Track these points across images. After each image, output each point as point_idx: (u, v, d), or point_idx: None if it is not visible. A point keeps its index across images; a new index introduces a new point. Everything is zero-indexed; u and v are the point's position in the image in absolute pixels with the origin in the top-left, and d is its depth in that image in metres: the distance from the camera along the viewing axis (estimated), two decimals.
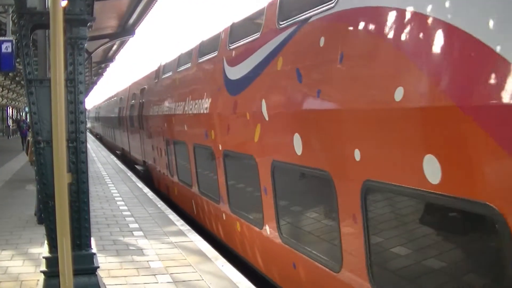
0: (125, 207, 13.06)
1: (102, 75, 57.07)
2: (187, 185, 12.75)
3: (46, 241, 6.11)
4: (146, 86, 19.10)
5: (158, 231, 10.44)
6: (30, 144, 12.29)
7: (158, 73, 16.67)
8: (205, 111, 10.13)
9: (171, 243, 9.42)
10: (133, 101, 22.84)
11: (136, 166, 21.90)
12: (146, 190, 16.12)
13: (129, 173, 20.92)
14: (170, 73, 14.49)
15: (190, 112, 11.43)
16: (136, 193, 15.45)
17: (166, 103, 14.37)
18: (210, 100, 9.89)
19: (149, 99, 17.96)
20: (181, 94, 12.69)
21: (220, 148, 9.44)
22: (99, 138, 52.91)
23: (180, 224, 11.09)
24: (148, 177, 19.32)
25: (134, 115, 21.53)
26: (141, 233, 10.26)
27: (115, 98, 34.39)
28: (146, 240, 9.69)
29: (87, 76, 35.75)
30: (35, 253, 8.57)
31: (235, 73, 8.52)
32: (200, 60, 11.08)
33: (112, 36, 27.17)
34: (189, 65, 12.18)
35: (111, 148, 36.72)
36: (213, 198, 10.41)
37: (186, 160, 12.41)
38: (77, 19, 5.92)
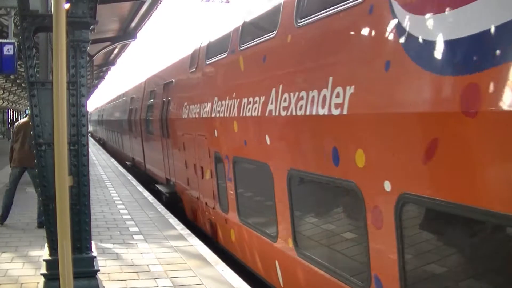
0: (125, 211, 13.04)
1: (104, 78, 57.17)
2: (263, 235, 7.85)
3: (46, 244, 6.11)
4: (174, 79, 14.23)
5: (158, 235, 10.43)
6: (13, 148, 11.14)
7: (196, 58, 11.74)
8: (334, 112, 5.43)
9: (171, 247, 9.40)
10: (151, 100, 17.92)
11: (158, 187, 16.01)
12: (147, 194, 16.09)
13: (130, 177, 20.90)
14: (223, 55, 9.66)
15: (281, 113, 6.72)
16: (136, 197, 15.43)
17: (217, 101, 9.54)
18: (351, 91, 5.21)
19: (181, 96, 13.10)
20: (255, 85, 7.92)
21: (389, 189, 4.68)
22: (102, 144, 46.62)
23: (180, 228, 11.07)
24: (175, 201, 14.31)
25: (154, 118, 16.52)
26: (141, 236, 10.25)
27: (123, 98, 28.60)
28: (146, 243, 9.67)
29: (89, 79, 35.65)
30: (35, 256, 8.56)
31: (459, 24, 3.88)
32: (302, 23, 6.51)
33: (113, 40, 27.21)
34: (272, 35, 7.37)
35: (118, 156, 31.00)
36: (347, 279, 5.61)
37: (265, 193, 7.73)
38: (80, 21, 5.93)
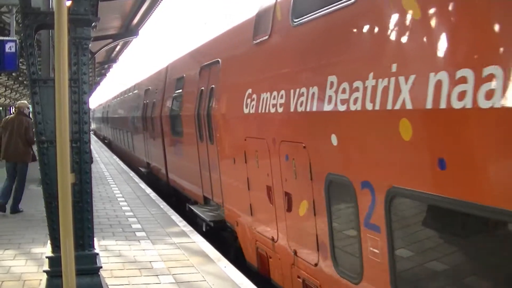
0: (128, 208, 13.06)
1: (106, 75, 57.19)
2: None
3: (49, 241, 6.13)
4: (220, 59, 9.99)
5: (160, 231, 10.44)
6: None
7: (268, 21, 7.71)
8: None
9: (174, 244, 9.41)
10: (178, 90, 13.66)
11: (195, 210, 11.21)
12: (149, 190, 16.11)
13: (132, 174, 20.91)
14: (344, 2, 5.60)
15: None
16: (139, 194, 15.45)
17: (338, 83, 5.49)
18: None
19: (238, 81, 8.83)
20: (482, 42, 3.68)
21: None
22: (108, 143, 41.49)
23: (183, 225, 11.08)
24: (221, 230, 10.30)
25: (185, 114, 12.41)
26: (143, 233, 10.26)
27: (135, 91, 24.02)
28: (149, 240, 9.68)
29: (91, 77, 35.30)
30: (37, 253, 8.58)
31: None
32: None
33: (115, 37, 27.19)
34: None
35: (126, 159, 26.85)
36: None
37: None
38: (82, 19, 5.93)
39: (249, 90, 8.05)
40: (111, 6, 19.19)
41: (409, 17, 4.56)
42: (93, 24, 6.08)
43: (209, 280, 7.37)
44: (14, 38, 14.69)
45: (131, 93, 25.88)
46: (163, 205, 13.53)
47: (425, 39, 4.40)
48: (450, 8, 4.14)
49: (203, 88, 10.90)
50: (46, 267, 5.98)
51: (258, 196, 7.97)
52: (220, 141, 9.71)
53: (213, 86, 10.16)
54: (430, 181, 4.24)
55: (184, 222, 11.32)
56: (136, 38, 27.54)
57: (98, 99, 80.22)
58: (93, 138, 48.70)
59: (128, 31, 26.34)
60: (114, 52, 37.91)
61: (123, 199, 14.46)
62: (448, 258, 4.35)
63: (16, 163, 12.01)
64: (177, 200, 14.80)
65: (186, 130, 12.63)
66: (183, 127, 12.89)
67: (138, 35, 26.74)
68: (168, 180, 15.78)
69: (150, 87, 19.05)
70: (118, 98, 33.64)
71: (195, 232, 10.34)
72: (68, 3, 5.66)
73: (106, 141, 44.29)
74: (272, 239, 7.54)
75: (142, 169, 20.59)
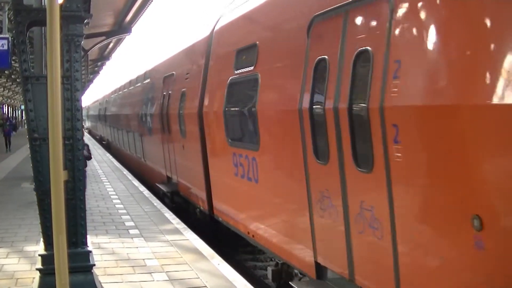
0: (121, 205, 13.04)
1: (99, 73, 57.03)
2: None
3: (42, 239, 6.11)
4: None
5: (154, 229, 10.43)
6: None
7: None
8: None
9: (167, 241, 9.40)
10: (241, 69, 8.34)
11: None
12: (142, 188, 16.09)
13: (125, 171, 20.87)
14: None
15: None
16: (132, 191, 15.43)
17: None
18: None
19: None
20: None
21: None
22: (106, 145, 35.54)
23: (176, 222, 11.08)
24: None
25: (265, 109, 7.36)
26: (137, 231, 10.25)
27: (146, 80, 18.32)
28: (142, 238, 9.67)
29: (83, 74, 35.02)
30: (30, 251, 8.55)
31: None
32: None
33: (108, 34, 27.11)
34: None
35: (132, 167, 22.06)
36: None
37: None
38: (74, 16, 5.92)
39: None
40: (104, 3, 19.13)
41: None
42: (85, 21, 6.06)
43: (203, 277, 7.37)
44: (7, 36, 14.64)
45: (139, 84, 19.99)
46: (156, 202, 13.52)
47: None
48: None
49: (325, 56, 5.69)
50: (39, 265, 5.97)
51: None
52: (400, 167, 4.51)
53: (369, 48, 4.89)
54: None
55: (178, 220, 11.32)
56: (129, 36, 27.50)
57: (93, 95, 79.16)
58: (86, 136, 48.44)
59: (121, 28, 26.26)
60: (107, 50, 37.81)
61: (116, 196, 14.44)
62: None
63: None
64: (221, 242, 10.66)
65: (267, 137, 7.44)
66: (259, 131, 7.55)
67: (131, 32, 26.69)
68: (211, 210, 10.35)
69: (174, 72, 13.56)
70: (121, 92, 26.81)
71: (188, 230, 10.34)
72: (61, 0, 5.64)
73: (104, 142, 38.01)
74: None
75: (162, 187, 14.50)
